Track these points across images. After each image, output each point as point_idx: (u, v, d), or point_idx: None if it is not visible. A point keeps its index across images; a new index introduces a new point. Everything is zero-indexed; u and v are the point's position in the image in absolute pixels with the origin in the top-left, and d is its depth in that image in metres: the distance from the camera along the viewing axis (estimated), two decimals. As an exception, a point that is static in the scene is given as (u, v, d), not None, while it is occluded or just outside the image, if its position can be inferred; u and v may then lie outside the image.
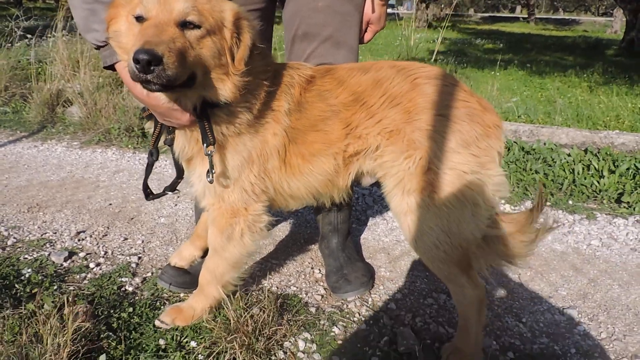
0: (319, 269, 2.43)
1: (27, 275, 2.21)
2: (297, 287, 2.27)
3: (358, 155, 1.77)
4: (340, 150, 1.75)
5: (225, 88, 1.51)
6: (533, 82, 8.97)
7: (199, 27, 1.41)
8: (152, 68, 1.25)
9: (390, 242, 2.73)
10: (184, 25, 1.39)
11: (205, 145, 1.60)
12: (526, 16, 34.84)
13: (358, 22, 2.02)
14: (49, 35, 6.31)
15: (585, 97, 7.36)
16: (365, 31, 2.13)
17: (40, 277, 2.20)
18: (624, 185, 3.16)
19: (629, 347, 1.89)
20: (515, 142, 3.68)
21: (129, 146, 4.20)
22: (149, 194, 1.91)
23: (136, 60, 1.24)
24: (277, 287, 2.26)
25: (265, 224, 1.85)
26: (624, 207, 3.05)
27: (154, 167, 1.91)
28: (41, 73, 5.14)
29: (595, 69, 9.89)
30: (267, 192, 1.82)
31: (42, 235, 2.68)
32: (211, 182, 1.64)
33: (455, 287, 1.77)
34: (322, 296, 2.21)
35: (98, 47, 1.58)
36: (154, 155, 1.81)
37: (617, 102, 6.86)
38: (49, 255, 2.44)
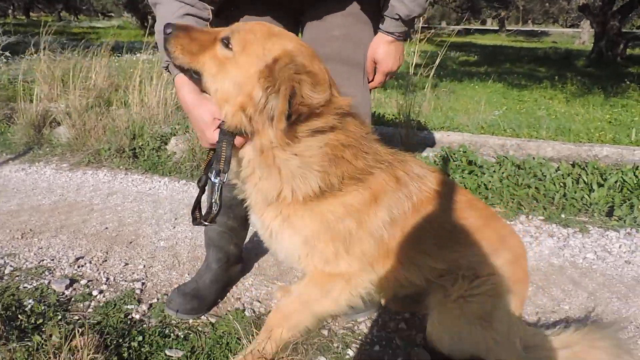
0: (326, 290, 2.43)
1: (29, 306, 2.16)
2: (306, 310, 2.27)
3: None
4: None
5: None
6: (511, 95, 9.20)
7: (230, 49, 1.44)
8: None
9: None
10: (223, 41, 1.46)
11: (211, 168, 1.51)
12: (497, 28, 35.75)
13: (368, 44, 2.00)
14: (29, 53, 6.21)
15: (563, 109, 7.60)
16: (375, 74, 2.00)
17: (43, 307, 2.15)
18: (613, 198, 3.27)
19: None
20: (506, 157, 3.77)
21: (121, 167, 4.15)
22: (196, 218, 1.67)
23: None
24: (286, 310, 2.26)
25: (367, 291, 1.72)
26: (615, 219, 3.15)
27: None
28: (26, 93, 5.04)
29: (569, 80, 10.21)
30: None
31: (39, 262, 2.62)
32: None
33: None
34: (332, 317, 2.21)
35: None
36: (201, 181, 1.64)
37: (594, 114, 7.11)
38: (49, 283, 2.39)
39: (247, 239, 2.55)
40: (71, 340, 1.81)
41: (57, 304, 2.22)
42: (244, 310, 2.22)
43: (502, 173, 3.58)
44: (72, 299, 2.28)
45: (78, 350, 1.77)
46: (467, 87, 9.78)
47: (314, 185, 1.49)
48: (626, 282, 2.54)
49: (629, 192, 3.33)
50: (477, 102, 7.34)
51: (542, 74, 12.34)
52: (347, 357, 1.94)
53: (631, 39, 16.33)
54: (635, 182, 3.37)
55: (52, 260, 2.65)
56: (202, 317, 2.17)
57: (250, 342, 1.90)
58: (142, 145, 4.26)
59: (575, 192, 3.36)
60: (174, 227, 3.07)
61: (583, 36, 26.06)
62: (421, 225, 1.66)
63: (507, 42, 26.83)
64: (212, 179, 1.50)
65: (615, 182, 3.39)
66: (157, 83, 4.78)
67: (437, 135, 4.47)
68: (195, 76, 1.51)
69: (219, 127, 1.47)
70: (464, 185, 3.51)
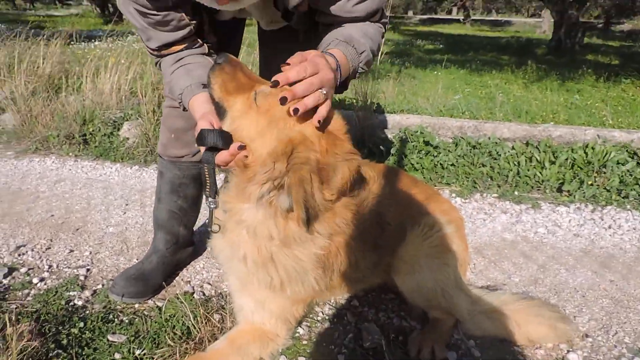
0: (279, 271, 2.39)
1: (-38, 296, 2.04)
2: (258, 290, 2.22)
3: None
4: None
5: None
6: (473, 80, 9.32)
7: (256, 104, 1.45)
8: None
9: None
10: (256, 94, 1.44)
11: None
12: (462, 18, 36.22)
13: None
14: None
15: (522, 93, 7.75)
16: None
17: (-23, 297, 2.04)
18: (563, 175, 3.34)
19: (579, 327, 1.99)
20: (462, 137, 3.80)
21: (70, 154, 3.97)
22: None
23: None
24: (237, 292, 2.20)
25: None
26: (565, 195, 3.22)
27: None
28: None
29: (529, 67, 10.43)
30: None
31: (-24, 252, 2.48)
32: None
33: None
34: (284, 298, 2.17)
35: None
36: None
37: (551, 97, 7.27)
38: (-15, 273, 2.27)
39: (200, 223, 2.49)
40: (4, 329, 1.72)
41: (-7, 293, 2.10)
42: (193, 293, 2.16)
43: (458, 153, 3.60)
44: (10, 288, 2.17)
45: (11, 339, 1.68)
46: (431, 74, 9.85)
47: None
48: (574, 254, 2.59)
49: (579, 169, 3.41)
50: (439, 87, 7.40)
51: (503, 61, 12.54)
52: (297, 335, 1.90)
53: (588, 28, 16.82)
54: (585, 159, 3.45)
55: (-9, 249, 2.51)
56: (149, 301, 2.10)
57: (197, 324, 1.85)
58: (93, 131, 4.10)
59: (528, 170, 3.42)
60: (124, 213, 2.96)
61: (544, 25, 26.64)
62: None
63: (472, 31, 27.17)
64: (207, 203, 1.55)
65: (566, 159, 3.46)
66: (113, 69, 4.62)
67: (397, 117, 4.46)
68: (220, 110, 1.45)
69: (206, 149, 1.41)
70: (421, 165, 3.53)
